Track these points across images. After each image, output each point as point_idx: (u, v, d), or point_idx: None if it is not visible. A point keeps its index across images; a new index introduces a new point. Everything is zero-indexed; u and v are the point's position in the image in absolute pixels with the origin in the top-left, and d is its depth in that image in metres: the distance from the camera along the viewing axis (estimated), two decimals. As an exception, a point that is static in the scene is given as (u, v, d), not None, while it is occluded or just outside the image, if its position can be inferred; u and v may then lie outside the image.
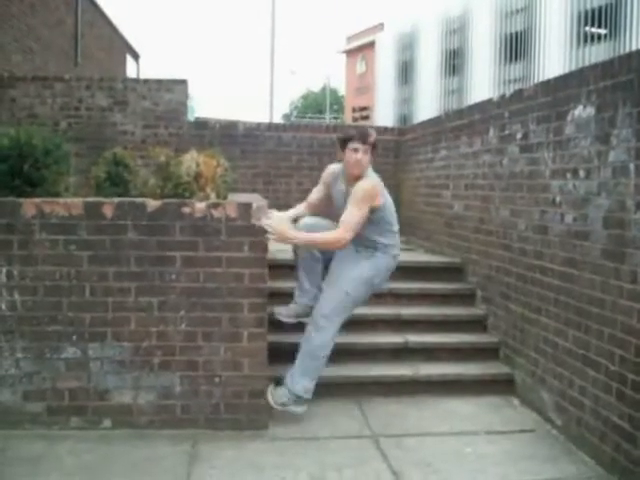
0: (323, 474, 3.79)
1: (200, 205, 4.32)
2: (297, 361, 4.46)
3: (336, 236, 4.25)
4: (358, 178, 4.34)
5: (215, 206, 4.32)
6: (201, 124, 8.88)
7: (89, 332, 4.28)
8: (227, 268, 4.31)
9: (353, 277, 4.42)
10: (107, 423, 4.30)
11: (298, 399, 4.43)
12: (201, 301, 4.31)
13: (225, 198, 5.00)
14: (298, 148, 8.78)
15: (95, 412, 4.30)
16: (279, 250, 5.90)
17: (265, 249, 4.37)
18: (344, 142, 4.35)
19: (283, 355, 4.99)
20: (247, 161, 8.66)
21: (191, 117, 10.28)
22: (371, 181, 4.35)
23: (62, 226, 4.25)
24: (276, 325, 5.12)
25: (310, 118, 52.45)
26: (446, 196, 6.72)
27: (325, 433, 4.32)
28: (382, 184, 4.44)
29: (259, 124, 9.01)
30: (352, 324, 5.39)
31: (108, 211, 4.28)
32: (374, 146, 4.37)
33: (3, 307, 4.24)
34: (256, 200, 4.52)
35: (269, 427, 4.36)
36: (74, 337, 4.27)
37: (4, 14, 10.68)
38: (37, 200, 4.32)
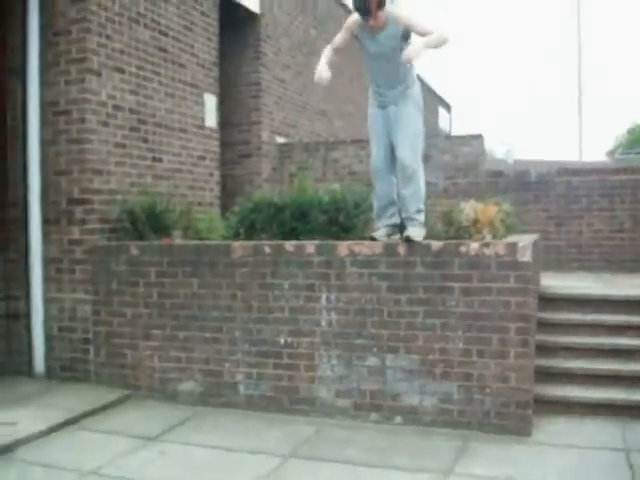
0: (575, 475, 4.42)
1: (474, 245, 5.23)
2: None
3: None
4: (382, 25, 5.35)
5: (486, 245, 5.20)
6: (496, 173, 9.74)
7: (387, 346, 5.40)
8: (497, 296, 5.14)
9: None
10: (398, 420, 5.36)
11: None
12: (475, 324, 5.19)
13: (504, 238, 5.78)
14: (588, 191, 9.21)
15: (389, 410, 5.39)
16: (557, 286, 6.54)
17: (529, 281, 5.11)
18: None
19: (554, 378, 5.65)
20: (539, 205, 9.33)
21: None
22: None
23: (367, 262, 5.46)
24: (548, 351, 5.80)
25: (636, 154, 49.19)
26: None
27: (583, 444, 4.87)
28: None
29: (549, 170, 9.57)
30: (621, 352, 5.85)
31: (401, 250, 5.40)
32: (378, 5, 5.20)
33: (323, 324, 5.55)
34: (524, 240, 5.29)
35: (532, 435, 5.05)
36: (375, 349, 5.43)
37: (330, 87, 12.60)
38: (349, 242, 5.60)
